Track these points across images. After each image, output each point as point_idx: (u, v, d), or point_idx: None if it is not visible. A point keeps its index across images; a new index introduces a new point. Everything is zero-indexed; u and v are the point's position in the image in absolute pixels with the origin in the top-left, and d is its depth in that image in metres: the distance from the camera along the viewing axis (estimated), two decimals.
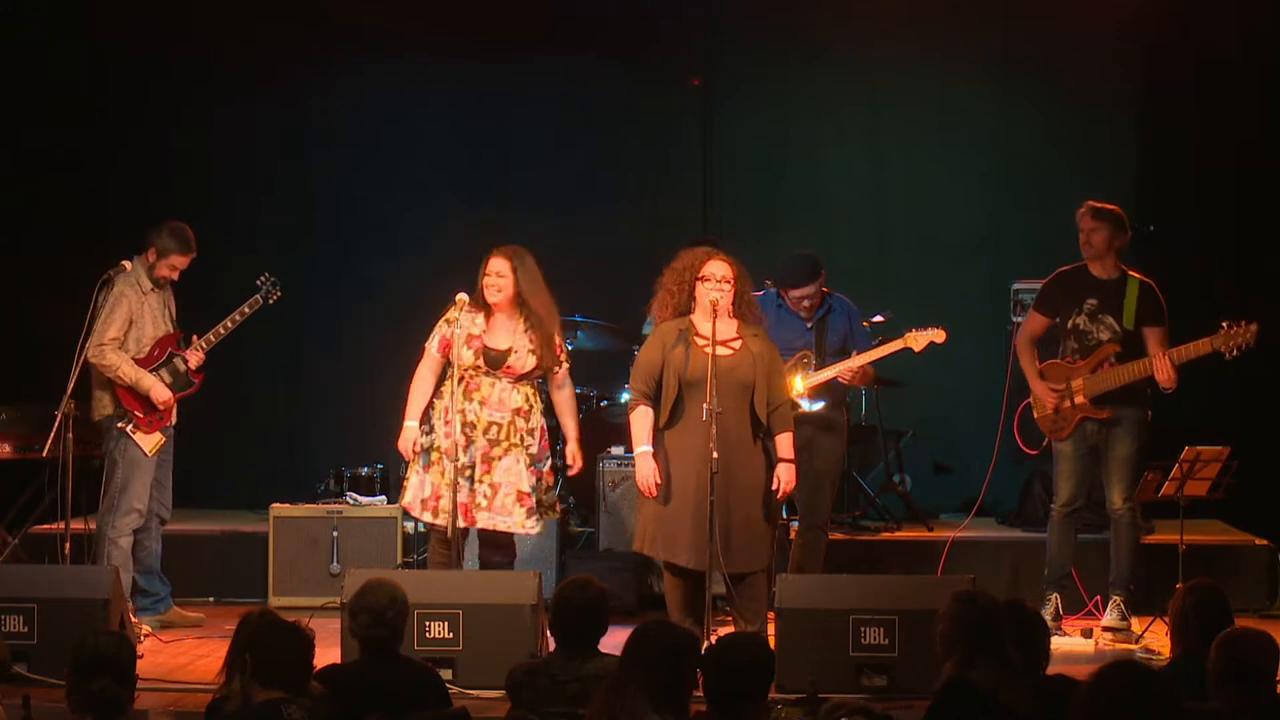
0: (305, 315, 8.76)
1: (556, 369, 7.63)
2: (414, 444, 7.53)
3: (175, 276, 8.10)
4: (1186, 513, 7.80)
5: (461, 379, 7.50)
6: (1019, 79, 10.47)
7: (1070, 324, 8.15)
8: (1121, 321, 8.04)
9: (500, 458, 7.46)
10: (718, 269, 7.10)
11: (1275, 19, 9.75)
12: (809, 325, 8.01)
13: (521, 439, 7.47)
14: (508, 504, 7.45)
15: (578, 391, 9.76)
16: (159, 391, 7.98)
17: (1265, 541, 8.90)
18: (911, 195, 10.53)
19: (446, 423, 7.47)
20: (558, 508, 7.85)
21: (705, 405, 6.83)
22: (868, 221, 10.52)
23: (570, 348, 9.84)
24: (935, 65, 10.39)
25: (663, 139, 10.66)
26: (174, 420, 8.13)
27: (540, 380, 7.68)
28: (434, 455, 7.51)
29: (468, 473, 7.45)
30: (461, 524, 7.43)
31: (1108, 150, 10.38)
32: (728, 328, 7.11)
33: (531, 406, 7.55)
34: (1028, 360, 8.28)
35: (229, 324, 8.15)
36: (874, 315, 8.67)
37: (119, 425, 7.98)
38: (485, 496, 7.45)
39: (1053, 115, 10.41)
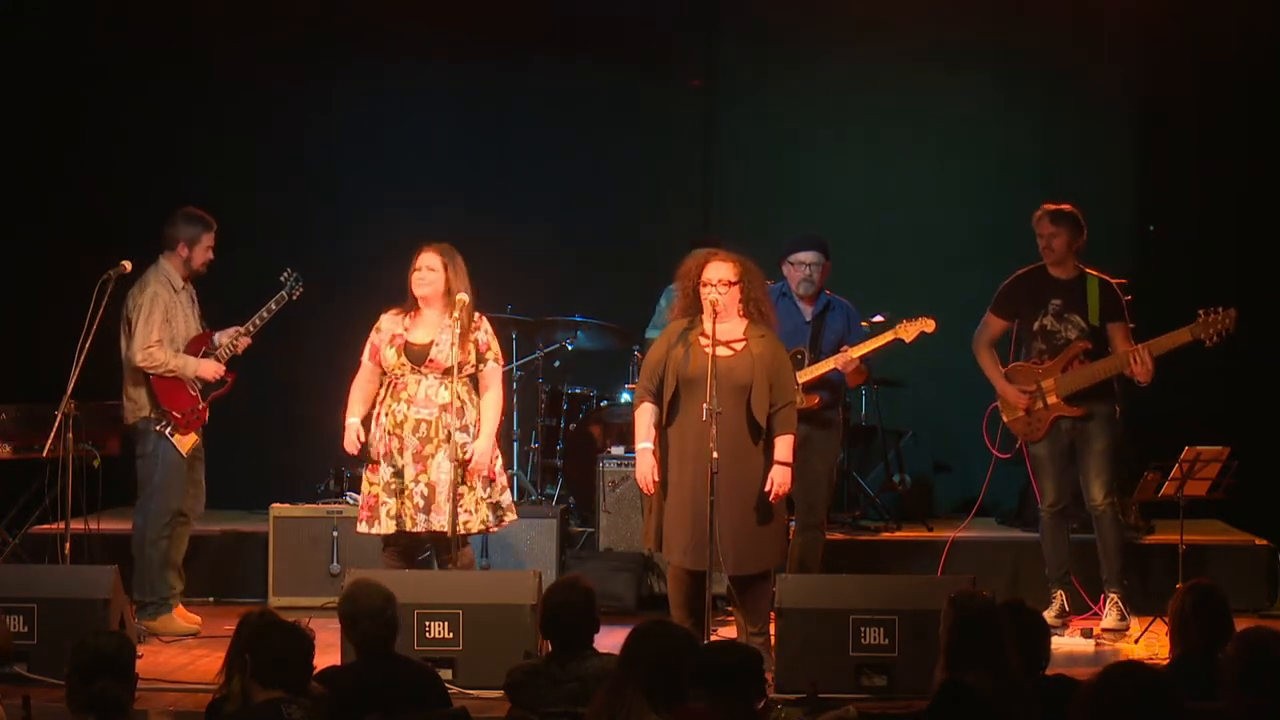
0: (304, 314, 8.75)
1: (482, 367, 7.50)
2: (356, 436, 7.45)
3: (212, 256, 8.12)
4: (1186, 513, 7.80)
5: (390, 382, 7.49)
6: (1019, 79, 10.47)
7: (1037, 326, 8.12)
8: (1088, 318, 8.03)
9: (432, 455, 7.37)
10: (714, 272, 7.06)
11: (1275, 19, 9.75)
12: (807, 320, 8.01)
13: (449, 435, 7.32)
14: (441, 502, 7.33)
15: (576, 391, 9.84)
16: (208, 368, 8.02)
17: (1265, 541, 8.90)
18: (911, 195, 10.53)
19: (379, 428, 7.45)
20: (515, 509, 7.63)
21: (705, 405, 6.80)
22: (868, 222, 10.50)
23: (570, 348, 9.93)
24: (935, 65, 10.39)
25: (663, 139, 10.66)
26: (205, 419, 8.14)
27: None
28: (368, 463, 7.48)
29: (404, 475, 7.37)
30: (392, 529, 7.38)
31: (1108, 150, 10.38)
32: (735, 328, 7.08)
33: (465, 403, 7.40)
34: (990, 364, 8.24)
35: (261, 317, 8.14)
36: (873, 316, 8.67)
37: (156, 428, 7.98)
38: (423, 497, 7.36)
39: (1053, 115, 10.42)
